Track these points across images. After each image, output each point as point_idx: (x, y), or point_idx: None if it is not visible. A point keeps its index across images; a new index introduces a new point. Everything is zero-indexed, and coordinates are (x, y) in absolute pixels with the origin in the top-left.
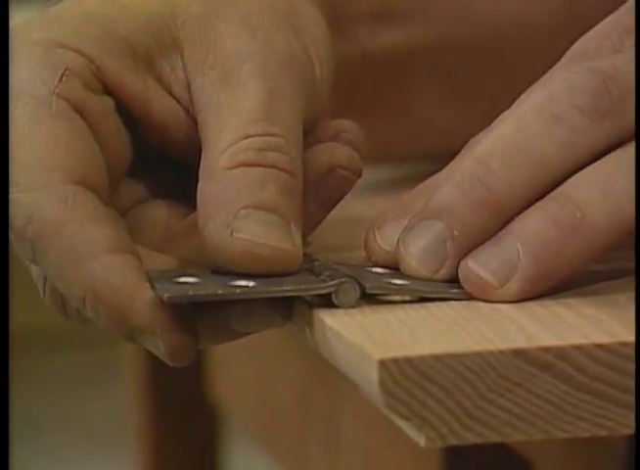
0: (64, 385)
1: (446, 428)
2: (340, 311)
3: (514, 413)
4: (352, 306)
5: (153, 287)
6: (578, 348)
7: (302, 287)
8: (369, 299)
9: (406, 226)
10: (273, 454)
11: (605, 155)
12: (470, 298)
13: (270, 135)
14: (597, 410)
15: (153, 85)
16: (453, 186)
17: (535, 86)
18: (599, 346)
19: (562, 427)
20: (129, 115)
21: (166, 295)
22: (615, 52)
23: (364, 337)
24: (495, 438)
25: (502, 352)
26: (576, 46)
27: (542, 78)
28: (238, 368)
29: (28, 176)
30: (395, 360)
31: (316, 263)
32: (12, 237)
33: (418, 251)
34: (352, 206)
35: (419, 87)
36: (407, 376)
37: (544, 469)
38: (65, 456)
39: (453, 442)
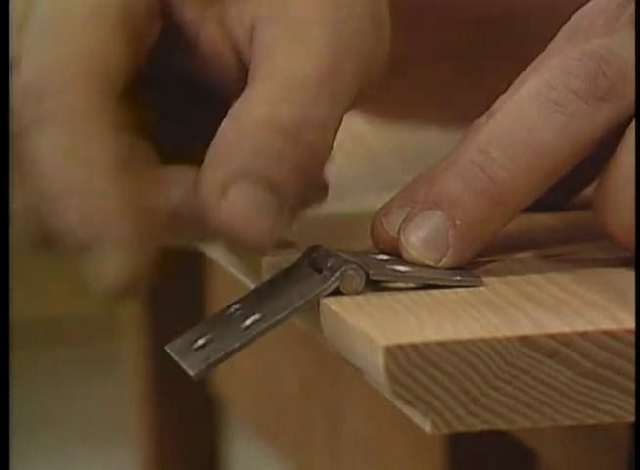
0: (63, 378)
1: (452, 414)
2: (345, 298)
3: (520, 400)
4: (358, 293)
5: (176, 360)
6: (584, 334)
7: (309, 297)
8: (373, 285)
9: (407, 216)
10: (275, 445)
11: (605, 139)
12: (474, 285)
13: (314, 107)
14: (603, 397)
15: (211, 23)
16: (455, 175)
17: (530, 70)
18: (605, 332)
19: (568, 414)
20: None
21: (194, 372)
22: (607, 27)
23: (369, 323)
24: (501, 424)
25: (508, 339)
26: (571, 21)
27: (537, 60)
28: (240, 360)
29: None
30: (401, 347)
31: (315, 254)
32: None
33: (419, 241)
34: (361, 197)
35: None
36: (413, 362)
37: (547, 458)
38: (64, 450)
39: (459, 428)
